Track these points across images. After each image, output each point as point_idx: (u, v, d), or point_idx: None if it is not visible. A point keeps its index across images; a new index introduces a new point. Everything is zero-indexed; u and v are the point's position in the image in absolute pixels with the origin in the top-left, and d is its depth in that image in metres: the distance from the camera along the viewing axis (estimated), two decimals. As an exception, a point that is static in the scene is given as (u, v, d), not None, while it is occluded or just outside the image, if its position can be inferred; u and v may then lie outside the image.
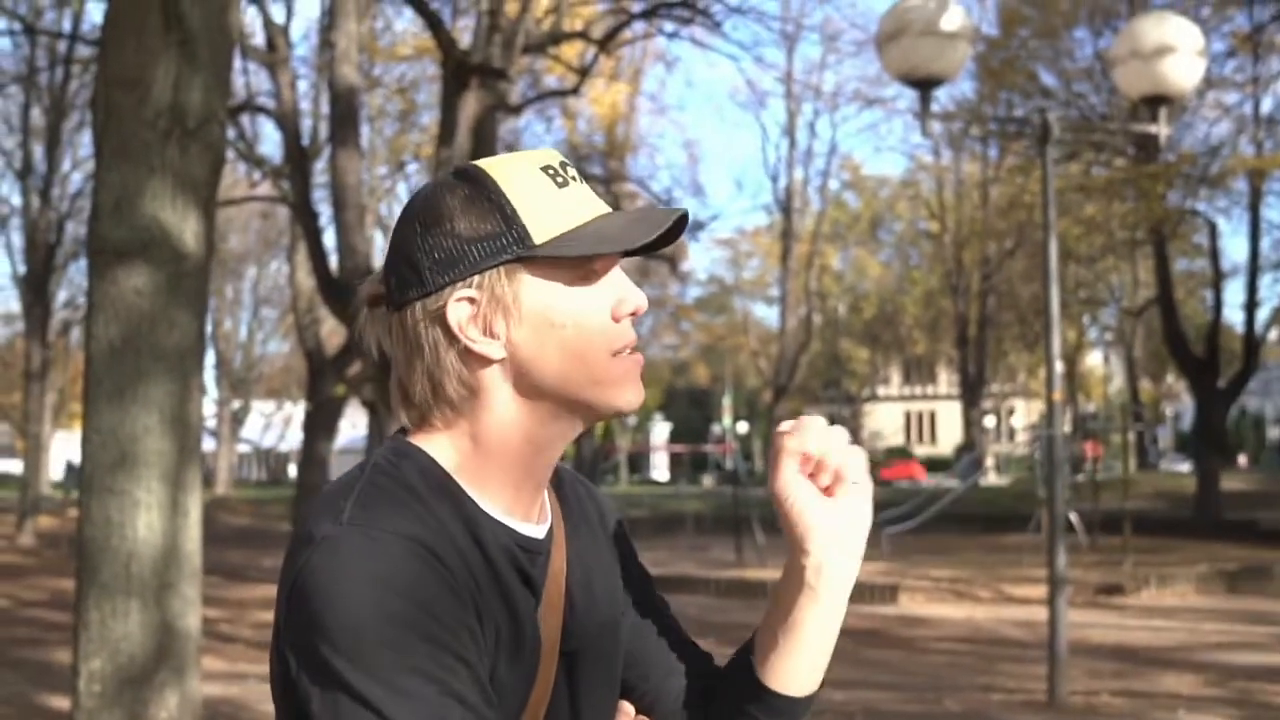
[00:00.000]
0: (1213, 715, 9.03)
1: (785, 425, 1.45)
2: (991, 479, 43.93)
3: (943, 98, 36.60)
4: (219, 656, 12.27)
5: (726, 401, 58.75)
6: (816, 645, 1.51)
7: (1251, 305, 29.39)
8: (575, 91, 19.75)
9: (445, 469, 1.39)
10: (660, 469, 56.34)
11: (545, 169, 1.41)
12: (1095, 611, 15.07)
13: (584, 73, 18.38)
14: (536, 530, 1.45)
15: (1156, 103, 8.96)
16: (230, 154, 22.35)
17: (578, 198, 1.41)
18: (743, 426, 60.82)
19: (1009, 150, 34.65)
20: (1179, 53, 8.72)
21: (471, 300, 1.37)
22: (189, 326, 5.20)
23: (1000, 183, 38.65)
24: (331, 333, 28.69)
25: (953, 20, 8.43)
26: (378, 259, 34.43)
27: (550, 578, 1.45)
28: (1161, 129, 9.14)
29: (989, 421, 59.47)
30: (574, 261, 1.38)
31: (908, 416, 70.50)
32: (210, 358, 47.49)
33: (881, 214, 53.41)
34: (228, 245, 41.53)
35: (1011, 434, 63.63)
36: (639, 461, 58.81)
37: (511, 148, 27.68)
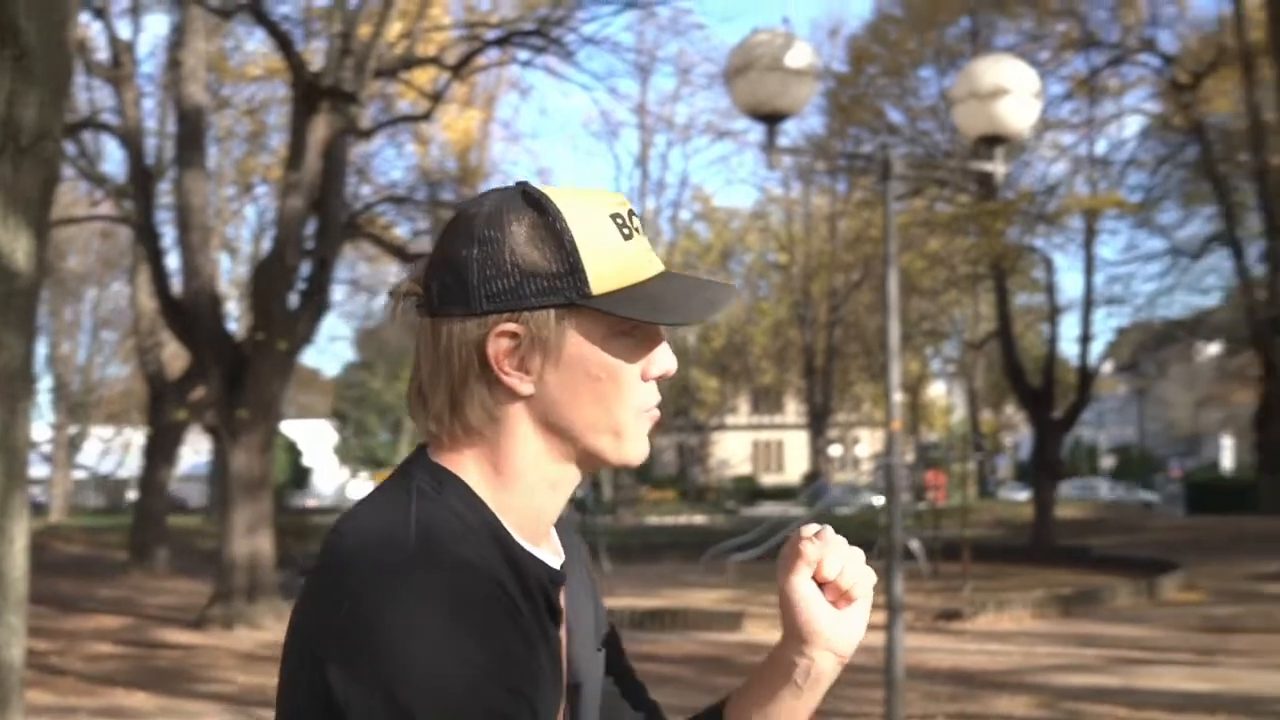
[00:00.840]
0: (1042, 736, 9.31)
1: (809, 531, 1.45)
2: (844, 509, 44.59)
3: (793, 132, 37.22)
4: (47, 690, 11.93)
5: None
6: None
7: (1085, 339, 30.38)
8: (427, 117, 19.70)
9: (482, 500, 1.36)
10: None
11: (614, 217, 1.39)
12: (934, 636, 15.40)
13: (437, 98, 18.34)
14: (555, 561, 1.43)
15: (993, 142, 9.23)
16: (71, 172, 21.82)
17: (639, 251, 1.39)
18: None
19: (856, 185, 35.40)
20: (1015, 94, 9.00)
21: (514, 335, 1.34)
22: (17, 348, 5.07)
23: (848, 216, 39.44)
24: (174, 356, 28.12)
25: (799, 57, 8.60)
26: (222, 282, 33.81)
27: (567, 609, 1.44)
28: (998, 168, 9.42)
29: (835, 450, 60.43)
30: (623, 318, 1.37)
31: (755, 445, 71.20)
32: (46, 381, 46.12)
33: (732, 245, 54.04)
34: (67, 265, 40.41)
35: (856, 463, 64.67)
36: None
37: (362, 172, 27.44)
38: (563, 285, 1.34)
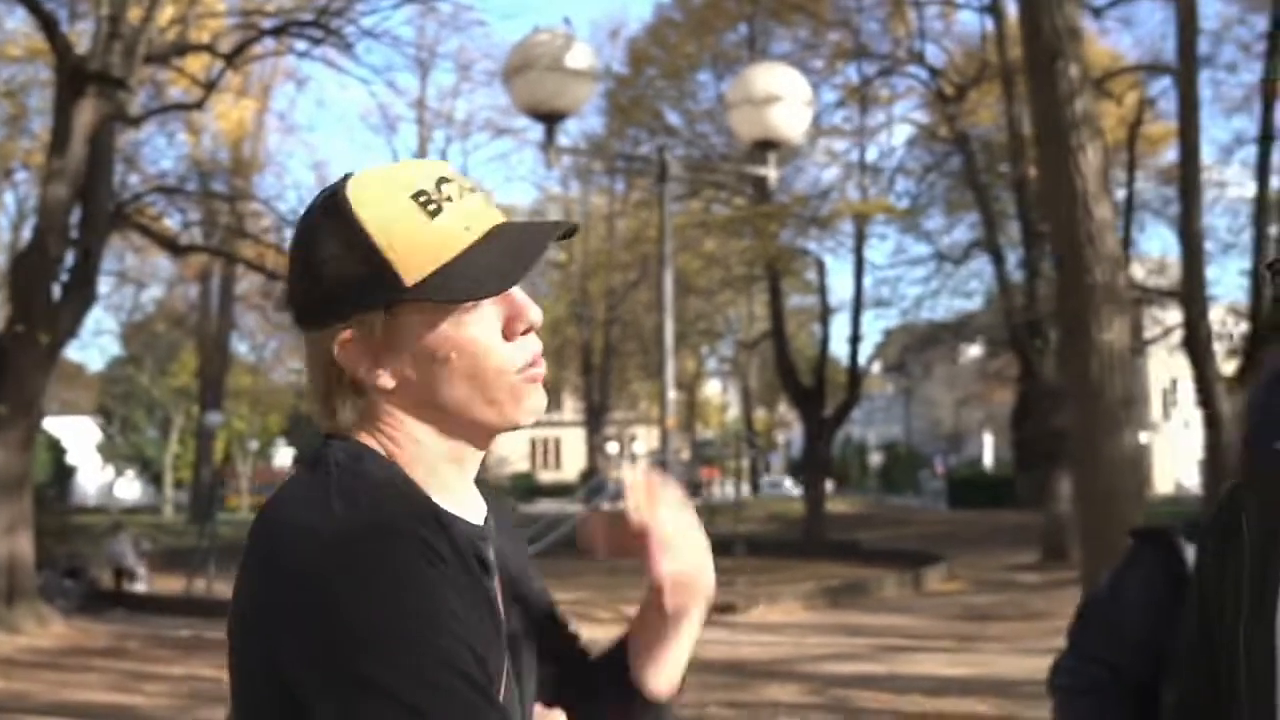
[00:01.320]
0: (809, 720, 9.65)
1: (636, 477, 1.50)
2: (614, 505, 45.01)
3: (573, 131, 37.40)
4: None
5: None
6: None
7: (855, 339, 31.36)
8: (199, 106, 19.25)
9: (400, 467, 1.39)
10: (283, 495, 55.00)
11: (418, 195, 1.37)
12: (709, 629, 15.46)
13: (210, 87, 17.93)
14: (479, 518, 1.45)
15: (766, 147, 9.52)
16: None
17: (453, 223, 1.37)
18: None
19: (634, 185, 35.80)
20: (787, 101, 9.30)
21: (352, 339, 1.36)
22: None
23: (626, 216, 39.84)
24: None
25: (579, 58, 8.74)
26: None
27: (496, 562, 1.46)
28: (771, 172, 9.71)
29: (612, 448, 60.92)
30: (441, 302, 1.37)
31: (533, 443, 71.28)
32: None
33: (511, 242, 54.03)
34: None
35: (634, 459, 65.30)
36: (264, 489, 57.27)
37: (130, 160, 26.59)
38: (377, 285, 1.36)
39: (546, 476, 65.29)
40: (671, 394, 9.34)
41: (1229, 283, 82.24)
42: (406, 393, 1.40)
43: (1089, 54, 23.08)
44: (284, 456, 58.34)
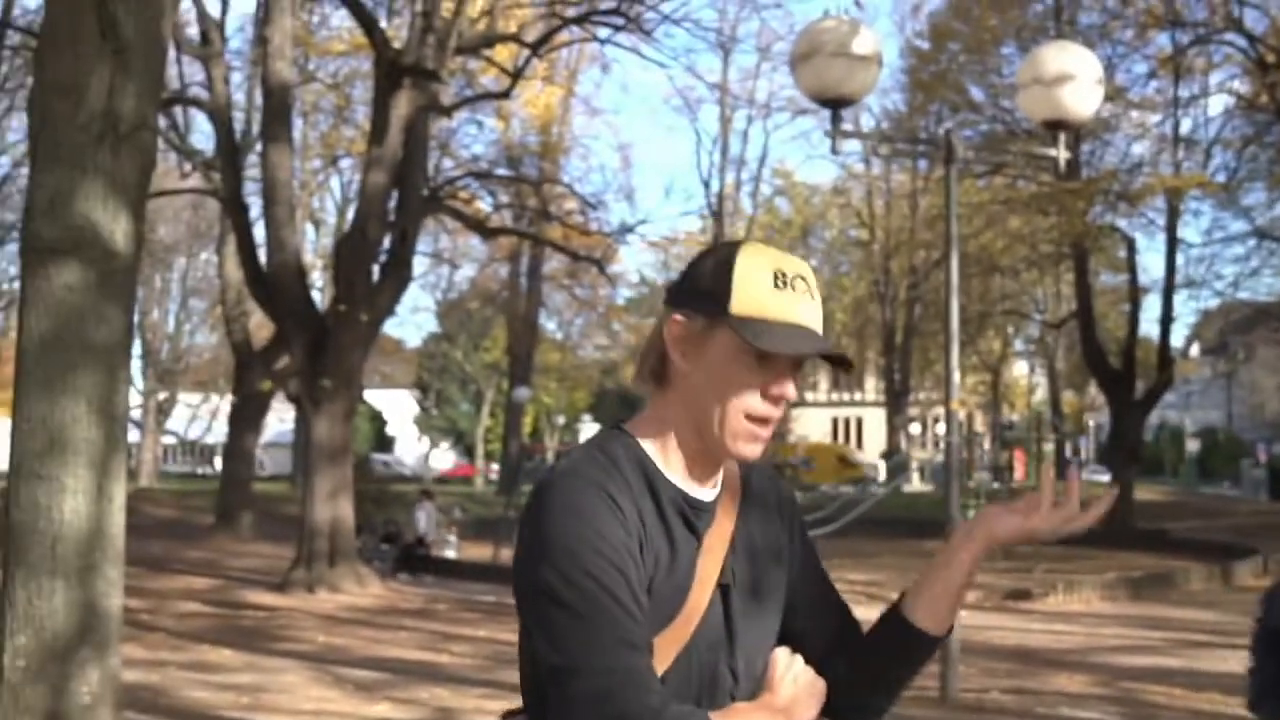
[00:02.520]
0: (1093, 712, 9.48)
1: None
2: (916, 485, 44.57)
3: (874, 107, 37.18)
4: (140, 644, 12.42)
5: (657, 404, 58.97)
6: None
7: (1166, 320, 30.12)
8: (508, 95, 19.98)
9: (642, 446, 1.93)
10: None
11: (777, 271, 1.91)
12: (1002, 615, 15.52)
13: (517, 75, 18.61)
14: (706, 494, 1.97)
15: (1056, 127, 9.36)
16: (161, 145, 22.35)
17: (786, 302, 1.90)
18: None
19: (937, 162, 35.27)
20: (1078, 81, 9.12)
21: (680, 324, 1.91)
22: (117, 322, 5.43)
23: (929, 194, 39.25)
24: (259, 326, 28.69)
25: (864, 43, 8.78)
26: (308, 253, 34.38)
27: (715, 530, 1.96)
28: (1062, 152, 9.54)
29: (915, 428, 60.22)
30: (738, 333, 1.88)
31: (834, 422, 71.03)
32: (136, 348, 47.12)
33: (812, 221, 53.94)
34: (156, 236, 41.21)
35: (936, 441, 64.39)
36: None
37: (444, 147, 27.85)
38: (714, 301, 1.89)
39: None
40: (956, 376, 9.32)
41: None
42: (687, 384, 1.93)
43: None
44: (589, 430, 59.84)
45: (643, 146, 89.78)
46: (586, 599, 1.77)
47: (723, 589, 1.96)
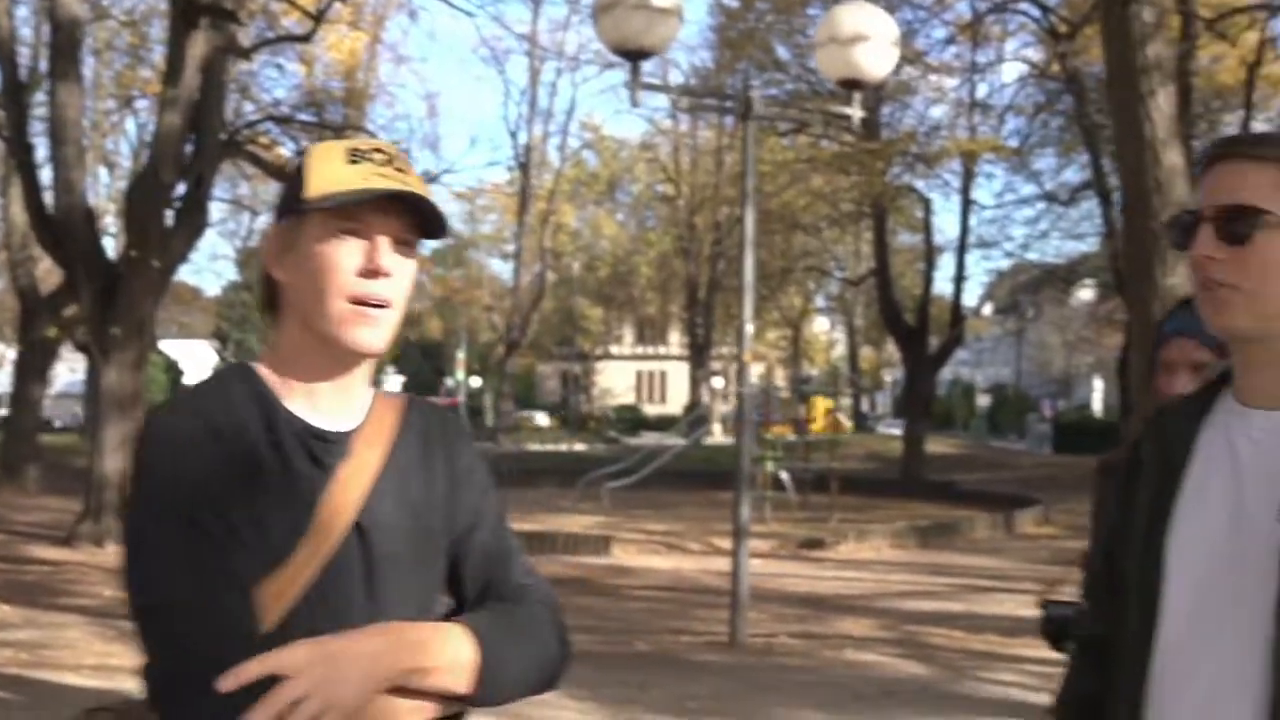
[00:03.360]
0: (875, 654, 9.81)
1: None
2: (718, 437, 45.24)
3: (684, 64, 37.37)
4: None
5: (460, 355, 58.78)
6: None
7: (959, 279, 31.14)
8: (308, 38, 19.54)
9: (260, 376, 1.84)
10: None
11: (351, 150, 1.83)
12: (795, 564, 15.91)
13: (319, 18, 18.21)
14: (338, 424, 1.86)
15: (852, 86, 9.55)
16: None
17: (363, 171, 1.79)
18: (475, 381, 60.91)
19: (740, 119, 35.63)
20: (873, 41, 9.31)
21: (271, 236, 1.86)
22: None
23: (734, 150, 39.68)
24: (47, 272, 27.63)
25: (665, -4, 8.82)
26: (101, 196, 33.17)
27: (353, 465, 1.83)
28: (856, 111, 9.74)
29: (718, 382, 61.08)
30: (337, 219, 1.78)
31: (639, 376, 71.64)
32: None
33: (620, 175, 54.11)
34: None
35: (713, 391, 65.42)
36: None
37: (246, 90, 27.12)
38: (294, 199, 1.81)
39: (652, 410, 65.60)
40: (749, 328, 9.49)
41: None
42: (292, 295, 1.84)
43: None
44: (393, 383, 59.29)
45: (450, 96, 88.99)
46: (173, 535, 1.70)
47: (359, 529, 1.81)
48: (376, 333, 1.81)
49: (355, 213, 1.79)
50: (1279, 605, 1.73)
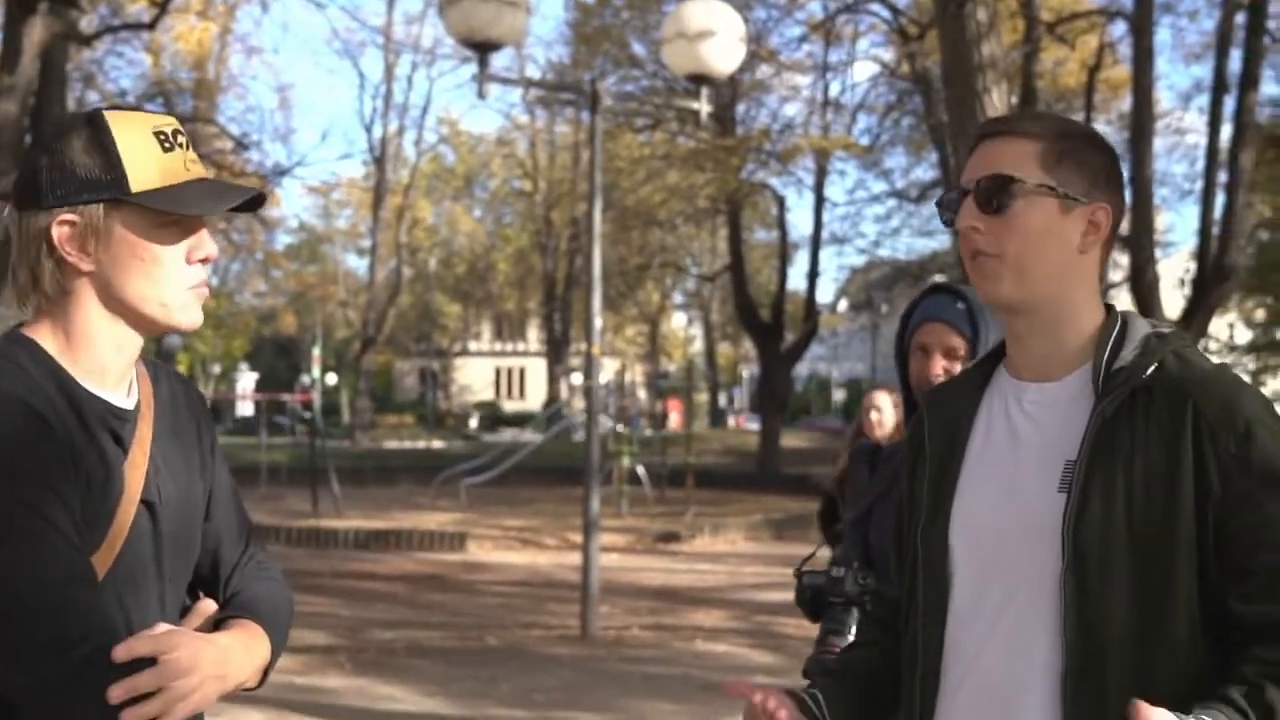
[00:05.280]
0: (725, 644, 9.91)
1: None
2: (579, 435, 45.29)
3: (540, 59, 37.28)
4: None
5: (316, 352, 57.93)
6: None
7: (813, 275, 31.55)
8: (152, 26, 19.08)
9: (47, 352, 1.79)
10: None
11: (158, 133, 1.82)
12: (651, 557, 15.99)
13: (163, 6, 17.79)
14: (126, 402, 1.86)
15: (699, 80, 9.62)
16: None
17: (178, 162, 1.82)
18: (331, 378, 60.10)
19: (604, 117, 35.65)
20: (720, 36, 9.40)
21: (72, 223, 1.77)
22: None
23: (588, 147, 39.75)
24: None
25: (512, -13, 8.80)
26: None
27: (137, 441, 1.85)
28: (703, 106, 9.82)
29: (576, 378, 61.10)
30: (153, 209, 1.79)
31: (498, 372, 71.30)
32: None
33: (477, 171, 53.81)
34: None
35: (572, 388, 65.46)
36: (222, 410, 57.27)
37: (90, 79, 26.43)
38: (108, 185, 1.77)
39: (511, 406, 65.36)
40: (598, 322, 9.51)
41: (1185, 229, 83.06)
42: (98, 280, 1.81)
43: (1049, -5, 23.20)
44: (246, 380, 58.23)
45: (304, 88, 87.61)
46: (23, 530, 1.65)
47: (148, 506, 1.84)
48: (199, 312, 1.89)
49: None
50: (1063, 571, 1.79)
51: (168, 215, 1.81)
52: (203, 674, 1.71)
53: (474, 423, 54.01)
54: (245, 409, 53.23)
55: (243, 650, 1.84)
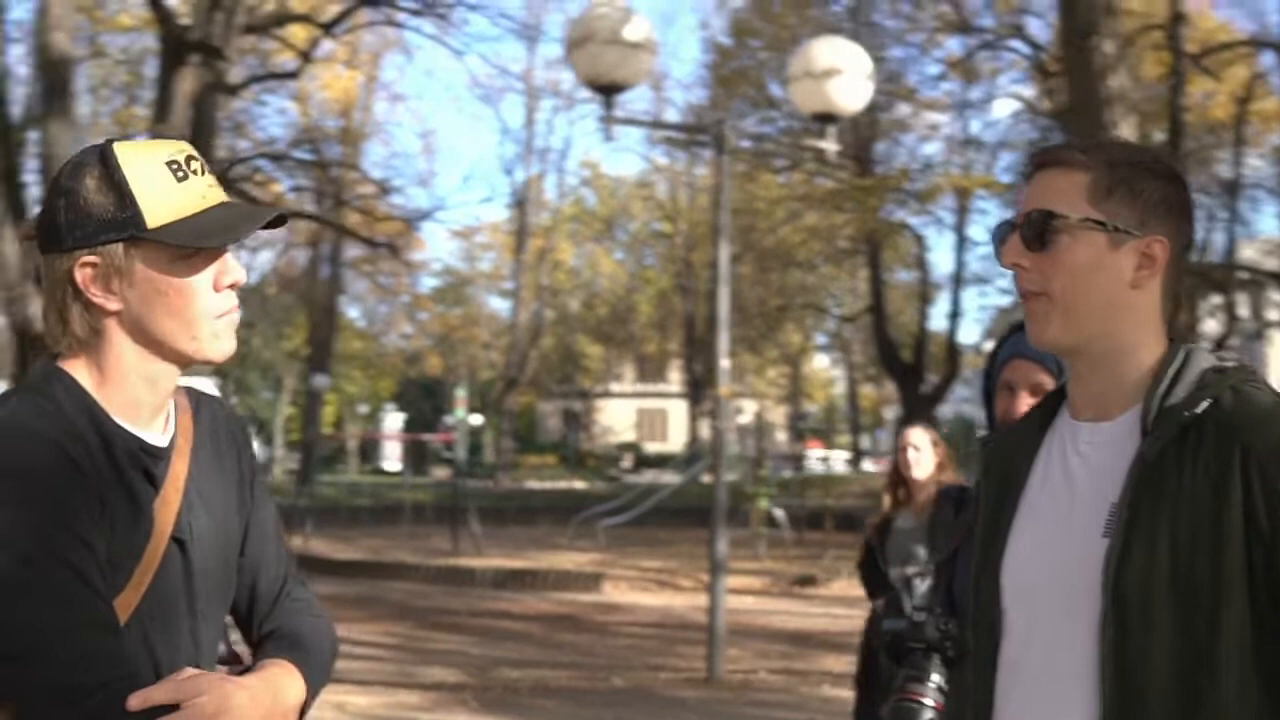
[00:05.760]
0: (851, 690, 9.73)
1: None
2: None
3: (678, 102, 37.46)
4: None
5: (460, 393, 58.66)
6: None
7: (955, 315, 31.16)
8: (296, 75, 19.62)
9: (83, 388, 1.76)
10: (391, 459, 55.94)
11: (170, 163, 1.78)
12: (786, 600, 15.86)
13: (306, 56, 18.29)
14: (160, 439, 1.84)
15: (826, 119, 9.58)
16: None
17: (194, 190, 1.78)
18: (476, 418, 60.80)
19: (739, 158, 35.74)
20: (846, 74, 9.35)
21: (93, 264, 1.75)
22: None
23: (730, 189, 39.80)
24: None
25: (637, 30, 8.86)
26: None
27: (170, 478, 1.82)
28: (830, 145, 9.78)
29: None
30: (172, 244, 1.76)
31: (640, 413, 71.52)
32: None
33: (617, 213, 54.17)
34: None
35: (739, 433, 65.24)
36: (371, 450, 58.27)
37: (240, 128, 27.22)
38: (125, 223, 1.74)
39: (653, 447, 65.41)
40: (725, 363, 9.48)
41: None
42: (126, 317, 1.78)
43: (1198, 26, 22.69)
44: (393, 420, 59.19)
45: (447, 133, 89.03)
46: (45, 576, 1.61)
47: (179, 543, 1.81)
48: (231, 341, 1.86)
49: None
50: (1103, 620, 1.72)
51: (197, 247, 1.78)
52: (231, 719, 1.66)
53: (625, 463, 54.16)
54: (392, 449, 54.15)
55: (274, 692, 1.77)
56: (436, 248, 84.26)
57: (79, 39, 24.58)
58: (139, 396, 1.82)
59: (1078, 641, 1.74)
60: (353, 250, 38.36)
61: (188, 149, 1.83)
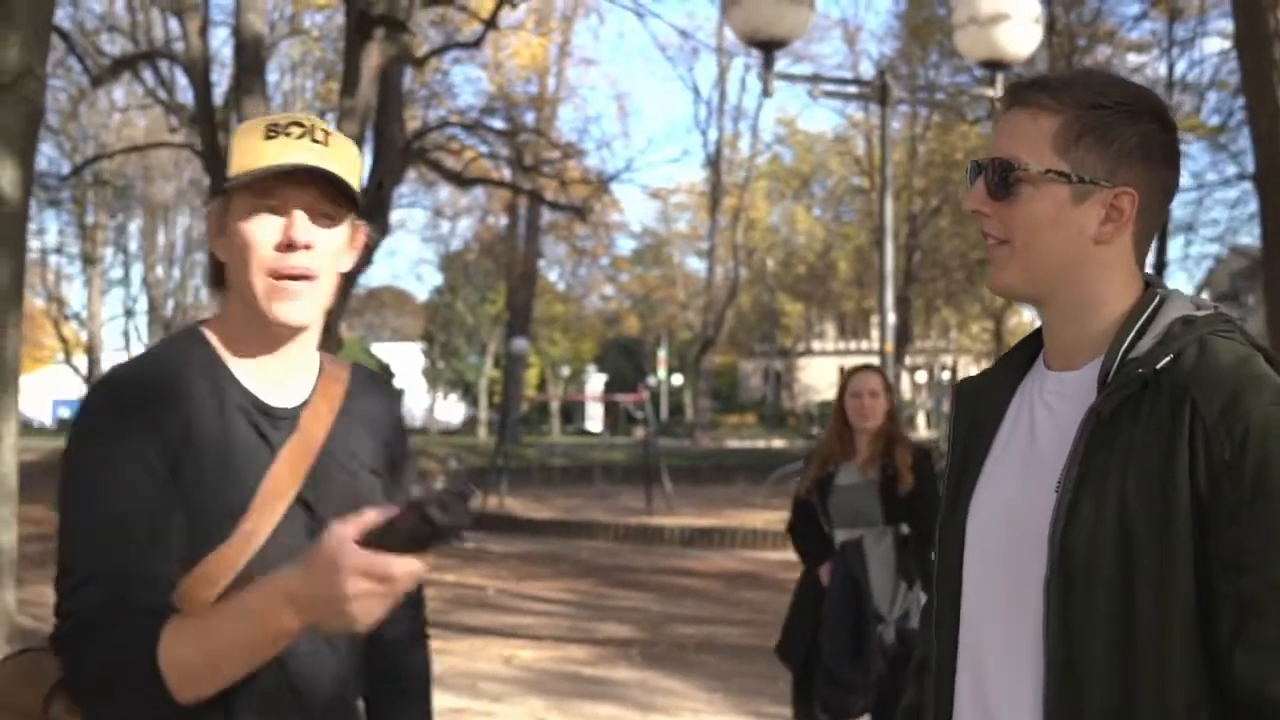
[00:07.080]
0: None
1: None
2: (921, 432, 44.63)
3: (873, 53, 36.90)
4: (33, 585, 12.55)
5: (661, 353, 59.05)
6: None
7: (1160, 265, 29.97)
8: (477, 45, 19.89)
9: (213, 345, 1.89)
10: (594, 419, 56.66)
11: (270, 125, 1.85)
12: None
13: (488, 24, 18.54)
14: (286, 400, 1.91)
15: (994, 66, 9.35)
16: (146, 99, 22.34)
17: (279, 147, 1.83)
18: (677, 378, 61.14)
19: (935, 109, 35.04)
20: (1014, 20, 9.11)
21: (209, 216, 1.91)
22: (6, 268, 5.50)
23: (925, 141, 39.11)
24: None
25: (793, -16, 8.77)
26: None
27: (297, 440, 1.87)
28: (997, 93, 9.53)
29: (921, 377, 60.16)
30: (257, 196, 1.83)
31: (841, 371, 70.91)
32: (142, 303, 47.25)
33: (814, 169, 53.67)
34: (155, 190, 41.35)
35: (943, 389, 64.26)
36: (574, 411, 59.07)
37: (436, 96, 27.79)
38: (223, 178, 1.87)
39: (854, 404, 64.71)
40: (891, 318, 9.36)
41: None
42: (230, 270, 1.89)
43: None
44: (596, 382, 59.91)
45: (640, 96, 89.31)
46: (95, 518, 1.72)
47: (305, 505, 1.85)
48: (296, 305, 1.85)
49: (272, 188, 1.84)
50: (1048, 578, 1.65)
51: (260, 200, 1.83)
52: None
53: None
54: (594, 410, 54.85)
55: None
56: (635, 210, 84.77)
57: (280, 18, 25.42)
58: (259, 354, 1.91)
59: (1028, 598, 1.68)
60: (548, 215, 38.87)
61: (299, 116, 1.89)
